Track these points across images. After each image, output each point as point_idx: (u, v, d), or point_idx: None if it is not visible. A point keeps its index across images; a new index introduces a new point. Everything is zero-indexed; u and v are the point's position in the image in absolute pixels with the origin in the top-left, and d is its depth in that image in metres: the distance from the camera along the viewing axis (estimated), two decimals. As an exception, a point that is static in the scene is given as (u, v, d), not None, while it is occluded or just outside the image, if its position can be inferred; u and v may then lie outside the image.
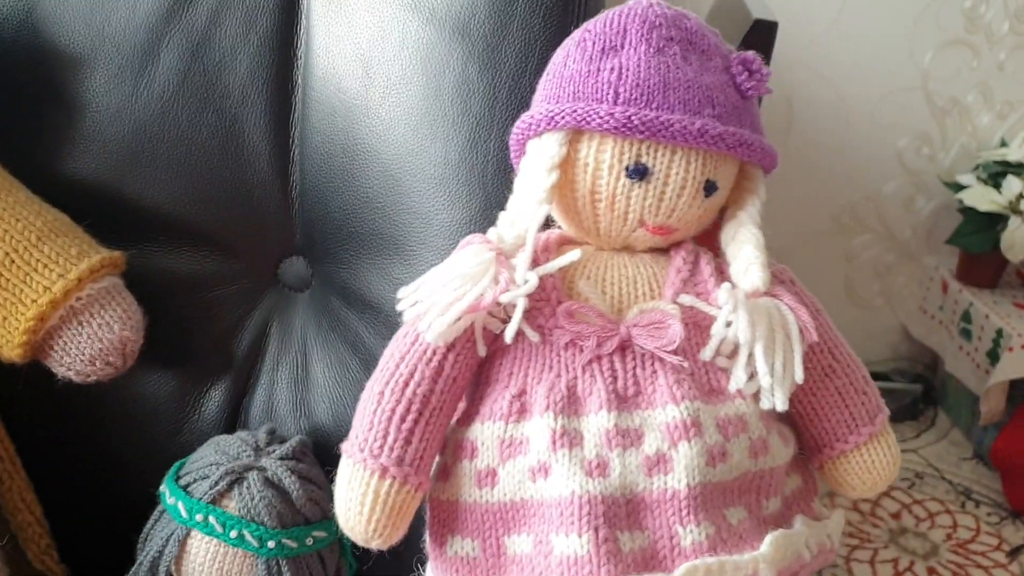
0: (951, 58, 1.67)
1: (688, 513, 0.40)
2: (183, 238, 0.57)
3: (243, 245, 0.57)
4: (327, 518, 0.50)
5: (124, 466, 0.57)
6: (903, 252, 1.79)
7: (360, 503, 0.41)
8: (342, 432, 0.51)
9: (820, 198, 1.79)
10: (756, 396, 0.43)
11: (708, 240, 0.47)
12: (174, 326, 0.56)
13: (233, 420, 0.57)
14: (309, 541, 0.49)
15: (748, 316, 0.42)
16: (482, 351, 0.43)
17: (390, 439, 0.41)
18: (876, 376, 1.55)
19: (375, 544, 0.42)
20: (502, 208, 0.45)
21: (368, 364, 0.54)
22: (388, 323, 0.53)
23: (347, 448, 0.42)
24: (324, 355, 0.57)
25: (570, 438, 0.41)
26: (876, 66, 1.65)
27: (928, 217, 1.77)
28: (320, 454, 0.52)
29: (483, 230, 0.44)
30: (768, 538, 0.41)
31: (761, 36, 0.90)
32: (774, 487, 0.44)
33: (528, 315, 0.42)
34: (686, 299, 0.43)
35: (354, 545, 0.53)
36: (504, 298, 0.41)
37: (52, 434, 0.58)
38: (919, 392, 1.77)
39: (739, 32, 0.92)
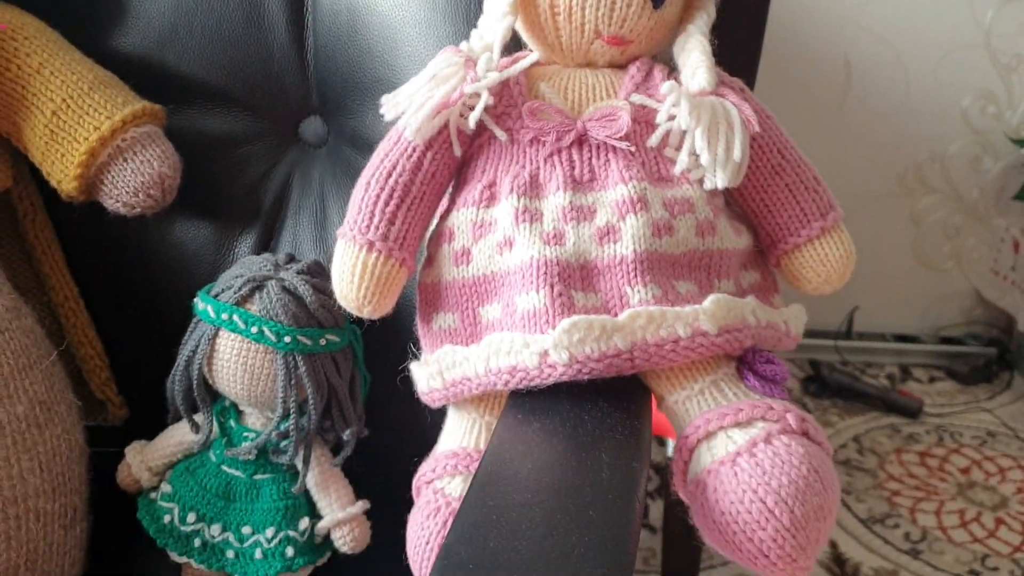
0: (1014, 14, 1.64)
1: (635, 276, 0.45)
2: (215, 101, 0.63)
3: (267, 106, 0.64)
4: (340, 327, 0.57)
5: (169, 303, 0.64)
6: (971, 213, 1.77)
7: (351, 273, 0.47)
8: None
9: (883, 159, 1.76)
10: (702, 182, 0.48)
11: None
12: (208, 179, 0.62)
13: (262, 260, 0.64)
14: (322, 342, 0.55)
15: (689, 106, 0.46)
16: (457, 151, 0.48)
17: (375, 220, 0.47)
18: (950, 340, 1.56)
19: (366, 312, 0.48)
20: (481, 43, 0.51)
21: (376, 200, 0.61)
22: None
23: (340, 231, 0.48)
24: (339, 198, 0.63)
25: (531, 215, 0.46)
26: (935, 25, 1.64)
27: (996, 177, 1.74)
28: (335, 279, 0.59)
29: (469, 66, 0.49)
30: (711, 296, 0.45)
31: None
32: (725, 269, 0.49)
33: (498, 119, 0.48)
34: (636, 98, 0.48)
35: (367, 357, 0.60)
36: (468, 89, 0.46)
37: (108, 278, 0.65)
38: (994, 355, 1.75)
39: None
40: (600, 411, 0.42)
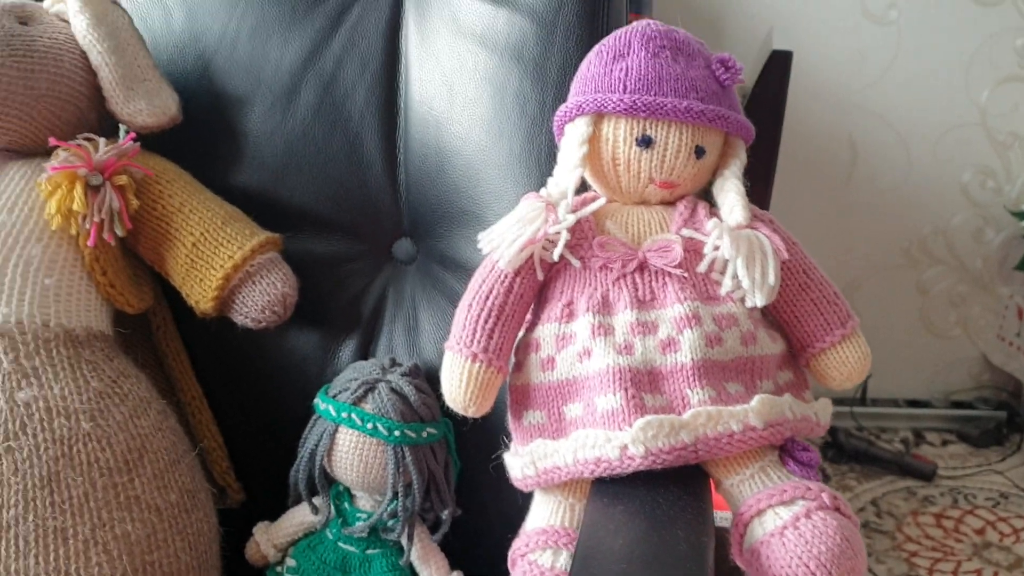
0: (1008, 94, 1.74)
1: (694, 380, 0.53)
2: (321, 227, 0.73)
3: (365, 231, 0.74)
4: (436, 420, 0.66)
5: (283, 401, 0.73)
6: (976, 282, 1.85)
7: (459, 380, 0.56)
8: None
9: (889, 232, 1.85)
10: (743, 300, 0.57)
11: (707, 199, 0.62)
12: (316, 294, 0.71)
13: (363, 362, 0.73)
14: (424, 434, 0.64)
15: (730, 239, 0.56)
16: (540, 276, 0.58)
17: (477, 335, 0.56)
18: (960, 404, 1.62)
19: (471, 412, 0.57)
20: (551, 184, 0.61)
21: (461, 310, 0.70)
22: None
23: (448, 344, 0.57)
24: (429, 308, 0.72)
25: (605, 329, 0.55)
26: (934, 105, 1.74)
27: (998, 247, 1.82)
28: (428, 379, 0.68)
29: (540, 202, 0.59)
30: (756, 397, 0.53)
31: (779, 62, 1.06)
32: (765, 371, 0.57)
33: (572, 248, 0.57)
34: (686, 232, 0.57)
35: (458, 448, 0.68)
36: (551, 230, 0.56)
37: (228, 380, 0.74)
38: (1003, 418, 1.81)
39: (763, 59, 1.07)
40: (672, 495, 0.51)
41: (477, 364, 0.56)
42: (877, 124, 1.81)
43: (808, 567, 0.48)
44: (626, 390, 0.53)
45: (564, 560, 0.55)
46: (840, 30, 1.74)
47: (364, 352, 0.73)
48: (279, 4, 0.73)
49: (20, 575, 0.56)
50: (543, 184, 0.63)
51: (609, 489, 0.52)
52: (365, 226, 0.74)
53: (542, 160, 0.66)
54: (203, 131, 0.73)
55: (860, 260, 1.83)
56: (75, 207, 0.62)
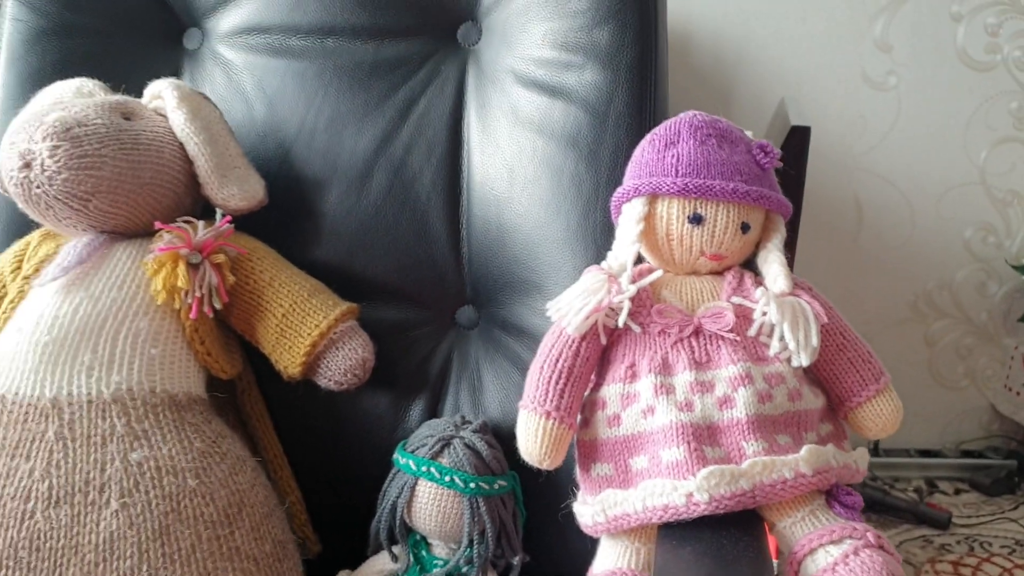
0: (1005, 154, 1.80)
1: (749, 433, 0.59)
2: (391, 296, 0.79)
3: (431, 299, 0.80)
4: (505, 473, 0.72)
5: (357, 459, 0.78)
6: (982, 334, 1.89)
7: (535, 436, 0.62)
8: (508, 420, 0.73)
9: (896, 288, 1.87)
10: (790, 360, 0.63)
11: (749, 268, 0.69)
12: (387, 358, 0.77)
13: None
14: (496, 486, 0.70)
15: (777, 306, 0.62)
16: (603, 340, 0.64)
17: (549, 394, 0.62)
18: (969, 454, 1.65)
19: (545, 465, 0.62)
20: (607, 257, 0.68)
21: (522, 371, 0.76)
22: (536, 340, 0.74)
23: (522, 404, 0.63)
24: (491, 369, 0.78)
25: (666, 389, 0.61)
26: (935, 166, 1.80)
27: (1002, 300, 1.86)
28: (494, 434, 0.74)
29: (596, 269, 0.66)
30: (805, 447, 0.59)
31: (798, 136, 1.13)
32: (809, 424, 0.63)
33: (632, 315, 0.64)
34: (736, 299, 0.64)
35: (525, 500, 0.74)
36: (615, 299, 0.63)
37: (307, 438, 0.79)
38: (1014, 467, 1.84)
39: (783, 134, 1.15)
40: (733, 537, 0.57)
41: (551, 421, 0.62)
42: (881, 185, 1.87)
43: (860, 600, 0.53)
44: (688, 443, 0.59)
45: (632, 599, 0.60)
46: (842, 96, 1.81)
47: (432, 411, 0.79)
48: (353, 98, 0.81)
49: (135, 622, 0.61)
50: (598, 256, 0.70)
51: (676, 533, 0.58)
52: (431, 295, 0.80)
53: (597, 235, 0.73)
54: (285, 212, 0.80)
55: (870, 315, 1.88)
56: (179, 284, 0.69)
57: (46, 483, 0.63)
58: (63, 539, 0.61)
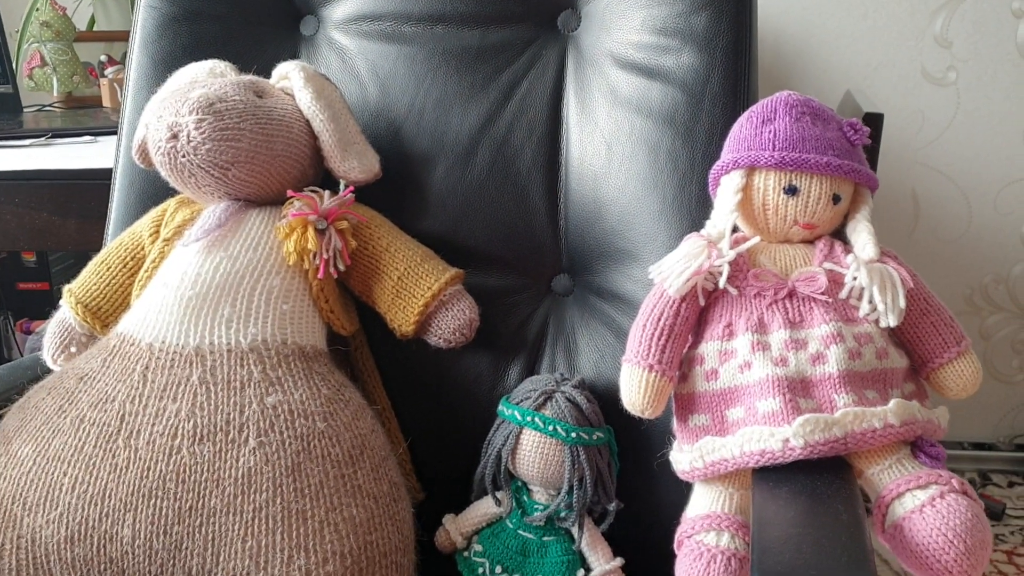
0: None
1: (840, 387, 0.63)
2: (491, 264, 0.84)
3: (529, 267, 0.85)
4: (602, 426, 0.77)
5: (458, 413, 0.83)
6: (1038, 328, 1.91)
7: (638, 387, 0.67)
8: (602, 379, 0.78)
9: (951, 282, 1.87)
10: (878, 322, 0.67)
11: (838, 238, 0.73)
12: (488, 321, 0.81)
13: (528, 381, 0.84)
14: (594, 437, 0.75)
15: (867, 271, 0.66)
16: (701, 301, 0.68)
17: (652, 349, 0.67)
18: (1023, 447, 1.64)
19: (647, 414, 0.67)
20: (702, 227, 0.72)
21: (617, 334, 0.80)
22: (630, 304, 0.79)
23: (626, 359, 0.68)
24: (586, 333, 0.83)
25: (762, 346, 0.65)
26: (993, 161, 1.80)
27: None
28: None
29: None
30: (893, 400, 0.63)
31: (871, 123, 1.16)
32: (895, 382, 0.67)
33: (729, 278, 0.68)
34: (827, 265, 0.68)
35: (619, 452, 0.78)
36: (717, 263, 0.67)
37: (413, 393, 0.84)
38: None
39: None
40: (825, 479, 0.60)
41: (653, 374, 0.67)
42: (939, 179, 1.87)
43: (947, 536, 0.57)
44: (784, 395, 0.63)
45: (727, 540, 0.64)
46: (902, 91, 1.82)
47: (530, 370, 0.84)
48: (459, 81, 0.86)
49: (270, 548, 0.66)
50: (693, 227, 0.74)
51: (771, 476, 0.62)
52: (529, 264, 0.85)
53: (692, 207, 0.77)
54: (396, 185, 0.85)
55: (925, 308, 1.89)
56: (309, 246, 0.74)
57: (191, 422, 0.68)
58: (206, 472, 0.67)
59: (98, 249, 0.86)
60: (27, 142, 1.22)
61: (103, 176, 1.04)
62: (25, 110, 1.69)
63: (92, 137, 1.27)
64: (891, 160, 1.85)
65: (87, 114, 1.66)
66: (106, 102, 1.73)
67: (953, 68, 1.79)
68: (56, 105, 1.75)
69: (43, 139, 1.24)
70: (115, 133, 1.30)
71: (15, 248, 1.38)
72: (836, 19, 1.77)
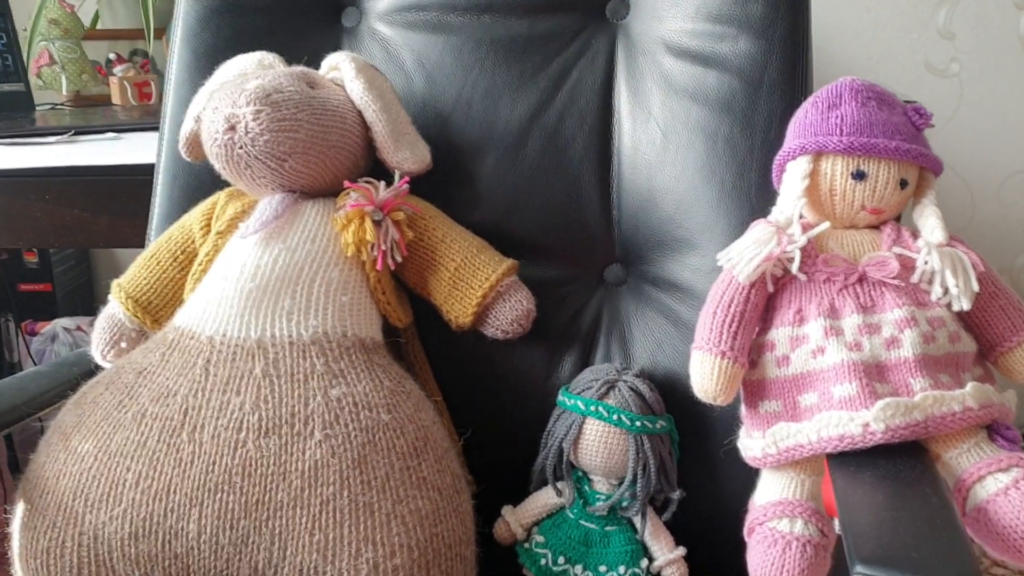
0: None
1: (916, 371, 0.63)
2: (544, 255, 0.83)
3: (581, 258, 0.84)
4: (664, 415, 0.76)
5: (512, 405, 0.83)
6: (1042, 319, 1.91)
7: (710, 374, 0.66)
8: (659, 369, 0.77)
9: None
10: (949, 305, 0.67)
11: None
12: (540, 312, 0.80)
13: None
14: (658, 425, 0.74)
15: (938, 254, 0.66)
16: (770, 288, 0.68)
17: (723, 336, 0.66)
18: None
19: (719, 401, 0.66)
20: (763, 215, 0.71)
21: (675, 323, 0.80)
22: (688, 293, 0.79)
23: (696, 346, 0.67)
24: (640, 322, 0.82)
25: (836, 331, 0.65)
26: (996, 152, 1.81)
27: None
28: (648, 381, 0.78)
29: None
30: (970, 384, 0.63)
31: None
32: (965, 365, 0.67)
33: (799, 265, 0.68)
34: (897, 249, 0.67)
35: (679, 441, 0.78)
36: (789, 248, 0.67)
37: (466, 386, 0.83)
38: None
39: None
40: (907, 464, 0.60)
41: (726, 360, 0.66)
42: (944, 170, 1.88)
43: (1034, 519, 0.57)
44: (860, 379, 0.62)
45: (800, 526, 0.64)
46: (905, 84, 1.83)
47: (585, 362, 0.83)
48: (508, 71, 0.85)
49: (337, 541, 0.65)
50: (753, 215, 0.74)
51: (851, 461, 0.61)
52: (582, 254, 0.84)
53: (752, 195, 0.77)
54: (446, 176, 0.84)
55: (933, 299, 1.90)
56: (367, 237, 0.73)
57: (256, 415, 0.67)
58: (272, 466, 0.66)
59: (130, 245, 0.84)
60: (52, 139, 1.20)
61: (135, 172, 1.03)
62: (37, 109, 1.67)
63: (115, 134, 1.25)
64: (896, 152, 1.85)
65: (97, 112, 1.63)
66: (116, 100, 1.71)
67: (956, 60, 1.80)
68: (66, 104, 1.73)
69: (66, 136, 1.22)
70: (137, 130, 1.29)
71: (45, 245, 1.36)
72: (839, 12, 1.78)
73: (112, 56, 1.81)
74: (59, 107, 1.72)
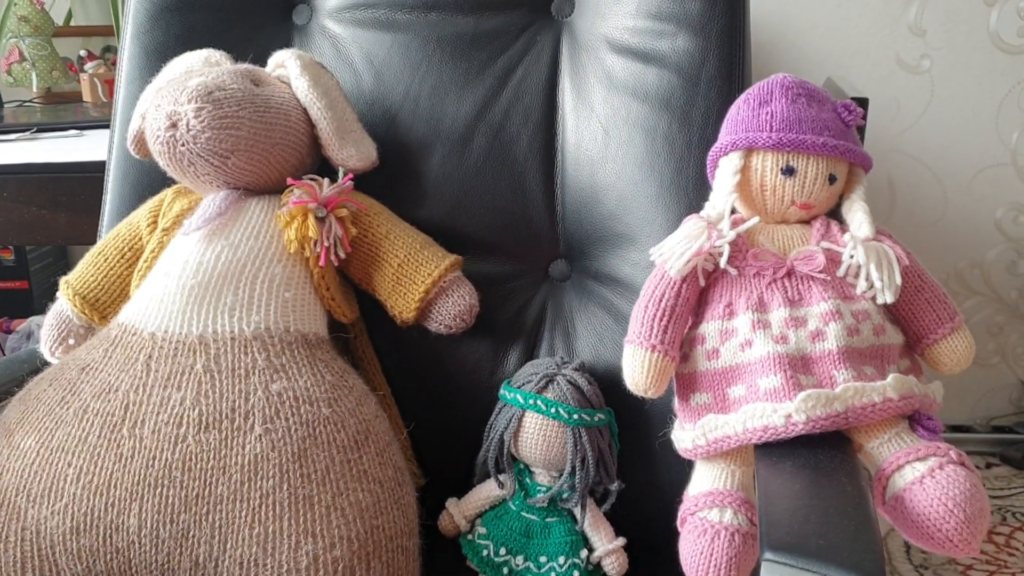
0: None
1: (839, 363, 0.64)
2: (489, 251, 0.84)
3: (526, 254, 0.85)
4: (603, 408, 0.77)
5: (458, 398, 0.84)
6: (1013, 312, 1.91)
7: (641, 367, 0.67)
8: (600, 362, 0.78)
9: (927, 266, 1.88)
10: (875, 299, 0.68)
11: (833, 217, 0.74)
12: (485, 307, 0.81)
13: (527, 365, 0.84)
14: (596, 418, 0.75)
15: (864, 249, 0.67)
16: (702, 282, 0.69)
17: (654, 330, 0.67)
18: (1000, 429, 1.69)
19: (650, 394, 0.68)
20: (699, 210, 0.73)
21: (615, 317, 0.81)
22: (628, 288, 0.80)
23: (628, 340, 0.68)
24: (584, 317, 0.83)
25: (763, 324, 0.66)
26: (967, 147, 1.81)
27: None
28: (588, 375, 0.79)
29: (686, 225, 0.71)
30: (891, 375, 0.64)
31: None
32: (891, 358, 0.68)
33: (729, 259, 0.69)
34: (825, 244, 0.69)
35: (619, 433, 0.79)
36: (718, 243, 0.68)
37: (412, 381, 0.84)
38: None
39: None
40: (828, 453, 0.61)
41: (656, 354, 0.67)
42: (914, 166, 1.89)
43: (947, 506, 0.58)
44: (785, 371, 0.64)
45: (729, 516, 0.65)
46: (876, 80, 1.84)
47: (529, 355, 0.84)
48: (454, 68, 0.86)
49: (277, 534, 0.66)
50: (690, 209, 0.75)
51: (774, 451, 0.63)
52: (526, 250, 0.85)
53: (689, 190, 0.78)
54: (393, 173, 0.85)
55: (902, 294, 1.91)
56: (310, 234, 0.74)
57: (196, 410, 0.68)
58: (212, 460, 0.67)
59: (89, 242, 0.85)
60: (13, 136, 1.20)
61: (93, 169, 1.04)
62: (5, 106, 1.67)
63: (78, 131, 1.26)
64: (867, 147, 1.85)
65: (67, 109, 1.64)
66: (86, 97, 1.71)
67: (927, 56, 1.81)
68: (36, 101, 1.73)
69: (28, 133, 1.22)
70: (100, 127, 1.30)
71: (3, 243, 1.36)
72: (811, 8, 1.79)
73: (83, 53, 1.81)
74: (28, 104, 1.72)
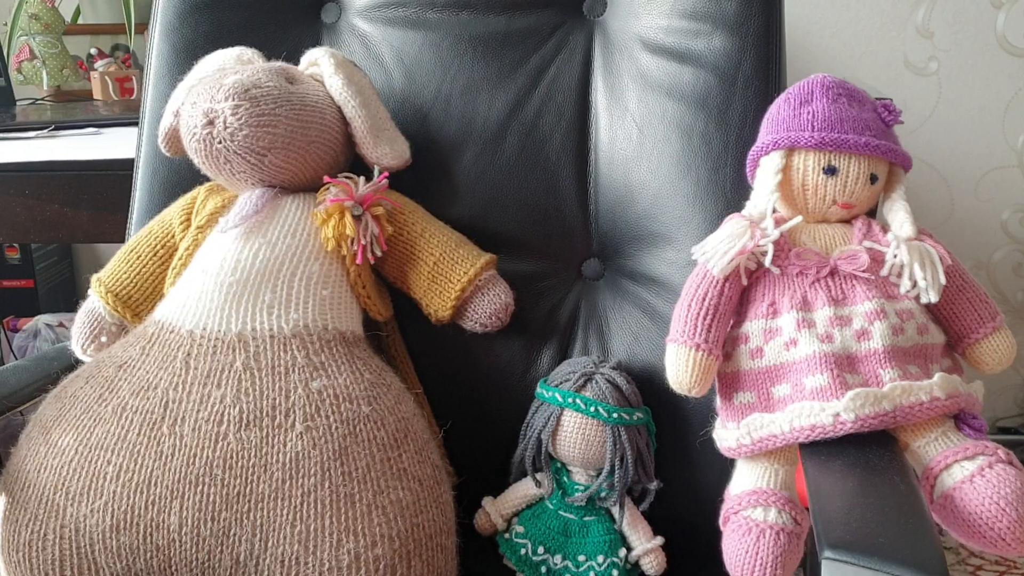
0: None
1: (885, 362, 0.64)
2: (521, 250, 0.84)
3: (559, 253, 0.84)
4: (641, 407, 0.77)
5: (492, 398, 0.83)
6: (1018, 314, 1.91)
7: (685, 366, 0.67)
8: (636, 361, 0.78)
9: None
10: (918, 298, 0.68)
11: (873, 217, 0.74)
12: (518, 306, 0.81)
13: (561, 364, 0.84)
14: (634, 417, 0.75)
15: (907, 248, 0.67)
16: (744, 281, 0.69)
17: (698, 329, 0.67)
18: (1005, 431, 1.70)
19: (693, 393, 0.67)
20: (737, 210, 0.72)
21: (651, 316, 0.81)
22: (664, 287, 0.80)
23: (671, 339, 0.68)
24: (618, 316, 0.83)
25: (808, 323, 0.66)
26: (974, 150, 1.82)
27: None
28: (624, 374, 0.79)
29: (722, 225, 0.70)
30: (937, 374, 0.64)
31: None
32: (934, 357, 0.68)
33: (772, 258, 0.69)
34: (867, 243, 0.69)
35: (656, 433, 0.79)
36: (762, 242, 0.68)
37: (446, 380, 0.84)
38: None
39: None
40: (875, 453, 0.61)
41: (700, 353, 0.67)
42: (921, 167, 1.90)
43: (999, 504, 0.58)
44: (831, 371, 0.64)
45: (774, 515, 0.65)
46: (884, 81, 1.84)
47: (562, 355, 0.84)
48: (486, 67, 0.86)
49: (319, 532, 0.66)
50: (728, 209, 0.75)
51: (822, 450, 0.63)
52: (559, 249, 0.85)
53: (727, 189, 0.78)
54: (425, 172, 0.84)
55: (909, 294, 1.92)
56: (347, 232, 0.74)
57: (236, 408, 0.68)
58: (254, 458, 0.66)
59: (112, 240, 0.85)
60: (31, 134, 1.20)
61: (115, 167, 1.03)
62: (17, 104, 1.66)
63: (95, 129, 1.25)
64: (876, 149, 1.86)
65: (78, 107, 1.63)
66: (97, 95, 1.71)
67: (934, 58, 1.82)
68: (47, 99, 1.72)
69: (47, 131, 1.22)
70: (119, 125, 1.29)
71: (25, 240, 1.35)
72: (819, 10, 1.79)
73: (93, 51, 1.80)
74: (40, 102, 1.71)
